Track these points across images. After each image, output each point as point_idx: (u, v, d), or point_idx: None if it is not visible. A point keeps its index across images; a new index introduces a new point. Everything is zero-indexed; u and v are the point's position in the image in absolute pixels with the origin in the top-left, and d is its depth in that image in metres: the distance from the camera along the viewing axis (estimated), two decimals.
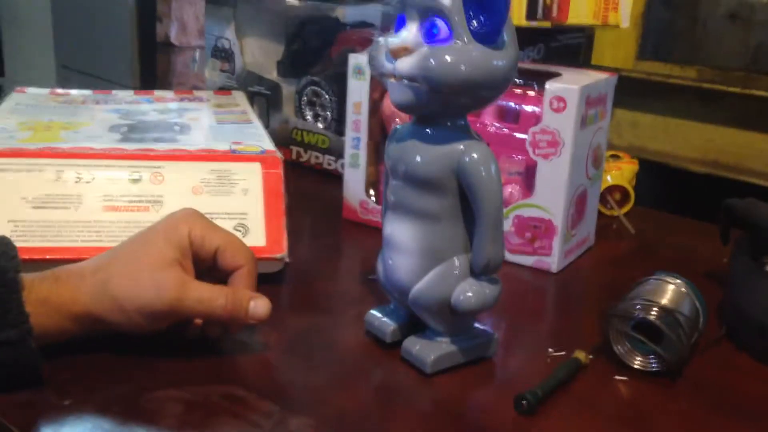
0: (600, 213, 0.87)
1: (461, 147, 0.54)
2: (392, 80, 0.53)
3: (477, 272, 0.56)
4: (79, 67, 1.99)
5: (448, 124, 0.55)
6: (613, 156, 0.99)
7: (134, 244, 0.56)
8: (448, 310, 0.55)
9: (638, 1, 1.37)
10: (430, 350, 0.57)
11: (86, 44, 1.91)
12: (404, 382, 0.56)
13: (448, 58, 0.50)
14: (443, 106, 0.54)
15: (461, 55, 0.50)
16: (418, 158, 0.55)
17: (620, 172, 0.94)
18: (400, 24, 0.53)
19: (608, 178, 0.92)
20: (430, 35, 0.51)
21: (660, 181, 1.30)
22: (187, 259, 0.55)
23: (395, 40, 0.52)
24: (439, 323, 0.57)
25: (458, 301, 0.55)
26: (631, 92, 1.36)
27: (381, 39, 0.54)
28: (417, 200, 0.56)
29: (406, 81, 0.52)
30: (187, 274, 0.55)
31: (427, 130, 0.55)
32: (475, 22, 0.51)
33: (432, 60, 0.50)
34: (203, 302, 0.54)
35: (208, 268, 0.57)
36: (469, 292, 0.55)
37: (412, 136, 0.56)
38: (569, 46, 1.01)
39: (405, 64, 0.52)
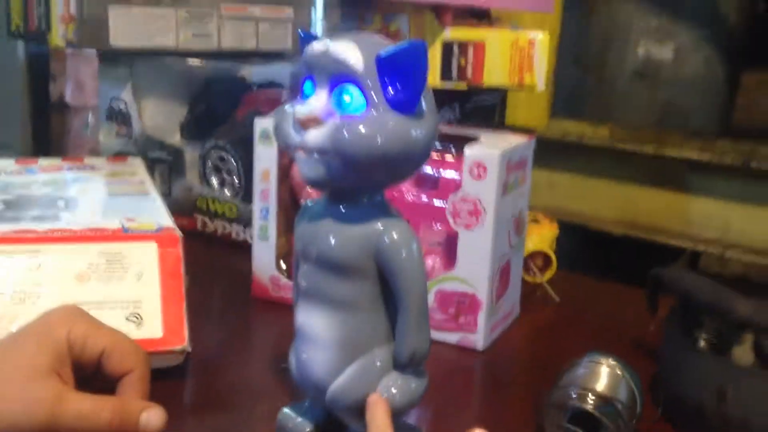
0: (523, 280, 0.83)
1: (379, 227, 0.49)
2: (301, 153, 0.48)
3: (401, 364, 0.50)
4: None
5: (365, 200, 0.50)
6: (531, 220, 0.96)
7: (0, 350, 0.48)
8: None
9: (547, 60, 1.38)
10: None
11: None
12: None
13: (362, 129, 0.45)
14: (358, 181, 0.48)
15: (377, 125, 0.45)
16: (332, 240, 0.49)
17: (540, 237, 0.91)
18: (308, 88, 0.48)
19: (529, 244, 0.89)
20: (341, 104, 0.46)
21: (580, 243, 1.29)
22: (66, 367, 0.47)
23: (303, 109, 0.47)
24: (361, 424, 0.51)
25: None
26: (546, 152, 1.35)
27: (287, 107, 0.49)
28: (332, 287, 0.50)
29: (316, 154, 0.47)
30: (65, 384, 0.47)
31: (341, 207, 0.50)
32: (390, 89, 0.46)
33: (345, 131, 0.45)
34: (84, 418, 0.46)
35: (92, 374, 0.49)
36: (393, 389, 0.50)
37: (324, 214, 0.50)
38: (484, 107, 0.99)
39: (315, 137, 0.46)
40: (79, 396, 0.47)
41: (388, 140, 0.46)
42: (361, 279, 0.49)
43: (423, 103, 0.48)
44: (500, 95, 1.03)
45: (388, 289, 0.49)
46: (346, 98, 0.46)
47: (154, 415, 0.48)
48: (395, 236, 0.48)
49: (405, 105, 0.46)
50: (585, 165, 1.41)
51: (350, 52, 0.46)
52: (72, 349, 0.48)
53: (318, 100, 0.47)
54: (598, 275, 0.96)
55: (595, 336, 0.77)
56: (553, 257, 0.90)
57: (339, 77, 0.46)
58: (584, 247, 1.30)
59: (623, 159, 1.38)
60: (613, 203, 1.38)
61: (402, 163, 0.48)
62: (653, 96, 1.44)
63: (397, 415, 0.52)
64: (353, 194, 0.50)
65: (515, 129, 0.83)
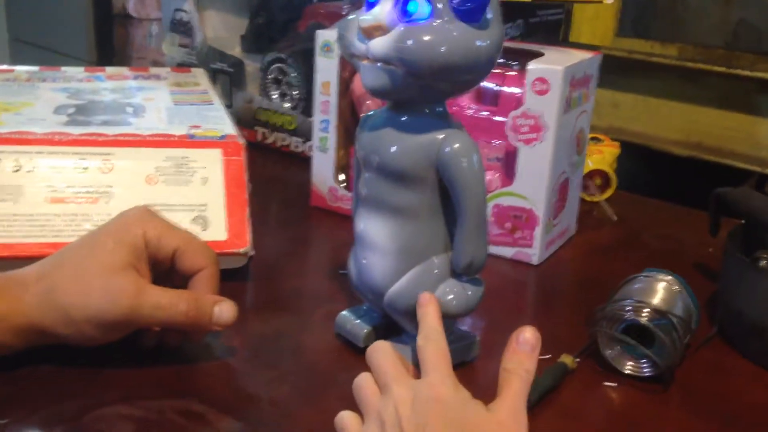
0: (581, 199, 0.83)
1: (441, 137, 0.49)
2: (364, 62, 0.48)
3: (458, 273, 0.51)
4: (33, 41, 1.89)
5: (426, 110, 0.50)
6: (594, 139, 0.94)
7: (82, 247, 0.50)
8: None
9: None
10: (407, 355, 0.52)
11: (40, 16, 1.81)
12: None
13: (427, 38, 0.45)
14: (421, 91, 0.48)
15: (441, 34, 0.45)
16: (394, 149, 0.50)
17: (601, 156, 0.90)
18: None
19: (589, 162, 0.88)
20: (406, 12, 0.46)
21: (641, 164, 1.27)
22: (143, 263, 0.50)
23: (367, 17, 0.47)
24: (416, 327, 0.52)
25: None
26: (610, 71, 1.31)
27: (352, 16, 0.49)
28: (393, 195, 0.51)
29: (380, 63, 0.47)
30: (143, 278, 0.50)
31: (403, 117, 0.50)
32: None
33: (409, 40, 0.45)
34: (162, 309, 0.49)
35: (166, 271, 0.52)
36: (450, 295, 0.51)
37: (386, 123, 0.51)
38: (549, 23, 0.97)
39: (379, 45, 0.46)
40: (157, 289, 0.49)
41: (452, 50, 0.45)
42: (421, 187, 0.50)
43: (489, 14, 0.47)
44: (565, 11, 1.00)
45: (448, 199, 0.50)
46: (411, 6, 0.46)
47: (225, 308, 0.51)
48: (456, 146, 0.49)
49: (470, 14, 0.46)
50: (651, 85, 1.37)
51: None
52: (148, 246, 0.50)
53: (383, 9, 0.47)
54: (659, 197, 0.94)
55: (653, 256, 0.77)
56: (613, 176, 0.89)
57: None
58: (647, 168, 1.28)
59: (691, 79, 1.33)
60: (678, 124, 1.34)
61: (465, 73, 0.48)
62: (725, 15, 1.37)
63: (452, 320, 0.54)
64: (415, 104, 0.50)
65: (580, 46, 0.81)
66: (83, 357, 0.50)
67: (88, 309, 0.48)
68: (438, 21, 0.45)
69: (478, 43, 0.46)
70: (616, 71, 1.36)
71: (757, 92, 1.28)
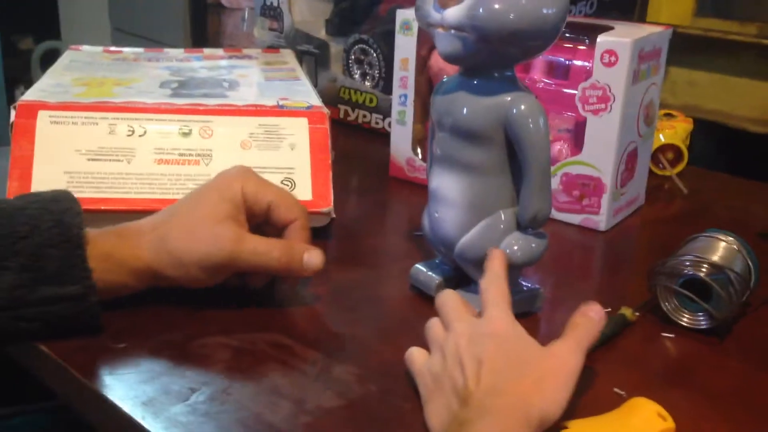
0: (651, 173, 0.85)
1: (509, 99, 0.53)
2: (440, 30, 0.53)
3: (524, 225, 0.55)
4: (133, 30, 2.02)
5: (496, 75, 0.54)
6: (666, 115, 0.96)
7: (190, 201, 0.57)
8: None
9: None
10: (475, 304, 0.57)
11: (139, 7, 1.94)
12: None
13: (497, 6, 0.49)
14: (491, 56, 0.53)
15: (510, 2, 0.49)
16: (465, 110, 0.54)
17: (674, 131, 0.92)
18: None
19: (661, 137, 0.90)
20: None
21: (715, 141, 1.26)
22: (241, 215, 0.56)
23: None
24: None
25: None
26: (688, 50, 1.31)
27: None
28: (464, 153, 0.55)
29: (453, 31, 0.52)
30: (242, 228, 0.56)
31: (475, 81, 0.55)
32: None
33: (480, 8, 0.50)
34: (259, 255, 0.55)
35: (261, 223, 0.58)
36: (515, 246, 0.55)
37: (459, 88, 0.55)
38: (623, 1, 0.99)
39: (453, 14, 0.51)
40: (255, 237, 0.56)
41: (520, 16, 0.50)
42: (490, 146, 0.54)
43: None
44: None
45: (515, 156, 0.54)
46: None
47: (314, 255, 0.57)
48: (523, 108, 0.53)
49: None
50: (728, 63, 1.36)
51: None
52: (246, 200, 0.57)
53: None
54: (732, 173, 0.95)
55: (721, 226, 0.78)
56: (685, 151, 0.91)
57: None
58: (722, 146, 1.27)
59: None
60: (755, 102, 1.33)
61: (532, 39, 0.52)
62: None
63: (517, 270, 0.58)
64: (486, 69, 0.54)
65: (655, 25, 0.83)
66: (188, 297, 0.57)
67: (195, 253, 0.54)
68: None
69: (545, 10, 0.50)
70: (693, 50, 1.36)
71: None
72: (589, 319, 0.47)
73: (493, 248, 0.54)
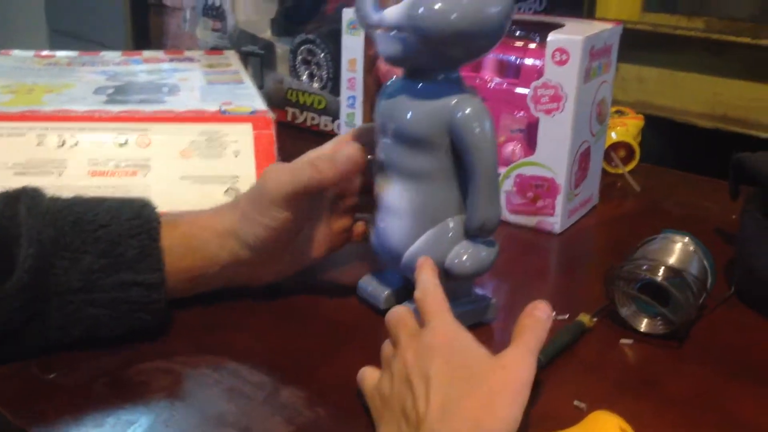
0: (604, 171, 0.84)
1: (453, 102, 0.51)
2: (379, 31, 0.50)
3: (472, 234, 0.53)
4: (71, 32, 1.95)
5: (441, 77, 0.52)
6: (617, 112, 0.95)
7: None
8: (442, 274, 0.53)
9: None
10: None
11: (77, 8, 1.87)
12: None
13: (437, 5, 0.47)
14: (434, 57, 0.51)
15: (452, 2, 0.47)
16: (409, 115, 0.52)
17: (625, 129, 0.91)
18: None
19: (612, 134, 0.89)
20: None
21: (666, 137, 1.26)
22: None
23: None
24: None
25: (452, 265, 0.52)
26: (636, 45, 1.31)
27: None
28: (408, 159, 0.53)
29: (393, 32, 0.49)
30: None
31: (418, 84, 0.52)
32: None
33: (421, 8, 0.47)
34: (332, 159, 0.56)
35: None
36: (464, 256, 0.53)
37: (401, 91, 0.53)
38: None
39: (391, 14, 0.49)
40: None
41: (462, 16, 0.47)
42: (435, 152, 0.52)
43: None
44: None
45: (461, 163, 0.52)
46: None
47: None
48: (468, 111, 0.51)
49: None
50: (676, 59, 1.36)
51: None
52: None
53: None
54: (684, 169, 0.95)
55: (675, 224, 0.77)
56: (637, 148, 0.90)
57: None
58: (672, 142, 1.28)
59: (716, 51, 1.32)
60: (703, 97, 1.34)
61: (476, 40, 0.50)
62: None
63: (469, 282, 0.56)
64: (429, 71, 0.52)
65: (604, 21, 0.82)
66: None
67: (272, 190, 0.54)
68: None
69: (488, 9, 0.48)
70: (641, 46, 1.36)
71: None
72: (537, 320, 0.45)
73: (420, 257, 0.52)
